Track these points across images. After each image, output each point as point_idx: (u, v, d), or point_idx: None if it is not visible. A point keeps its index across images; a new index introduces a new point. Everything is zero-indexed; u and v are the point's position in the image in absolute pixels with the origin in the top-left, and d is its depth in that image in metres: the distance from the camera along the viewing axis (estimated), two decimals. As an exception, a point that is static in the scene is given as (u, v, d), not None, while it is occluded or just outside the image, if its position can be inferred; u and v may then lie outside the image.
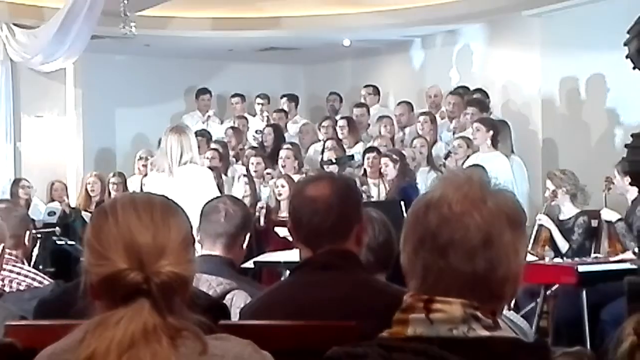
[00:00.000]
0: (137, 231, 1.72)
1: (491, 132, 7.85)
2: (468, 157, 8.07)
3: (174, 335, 1.69)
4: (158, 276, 1.69)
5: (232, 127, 10.44)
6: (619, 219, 6.68)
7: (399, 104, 10.07)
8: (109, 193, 9.15)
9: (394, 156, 8.28)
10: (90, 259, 1.74)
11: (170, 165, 6.12)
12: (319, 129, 10.06)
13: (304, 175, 8.29)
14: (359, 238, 2.65)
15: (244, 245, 3.58)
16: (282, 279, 5.21)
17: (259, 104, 11.02)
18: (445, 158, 8.52)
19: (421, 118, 9.22)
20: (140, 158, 9.57)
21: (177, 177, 6.07)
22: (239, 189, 8.70)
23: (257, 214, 8.25)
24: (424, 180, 8.41)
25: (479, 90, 9.11)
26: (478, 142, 7.97)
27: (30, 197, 9.10)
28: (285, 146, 9.27)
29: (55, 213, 8.85)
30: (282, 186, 8.26)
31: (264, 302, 2.65)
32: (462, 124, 8.84)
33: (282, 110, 10.88)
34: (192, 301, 1.79)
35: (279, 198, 8.29)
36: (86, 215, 8.91)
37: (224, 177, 9.00)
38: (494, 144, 7.87)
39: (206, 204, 3.60)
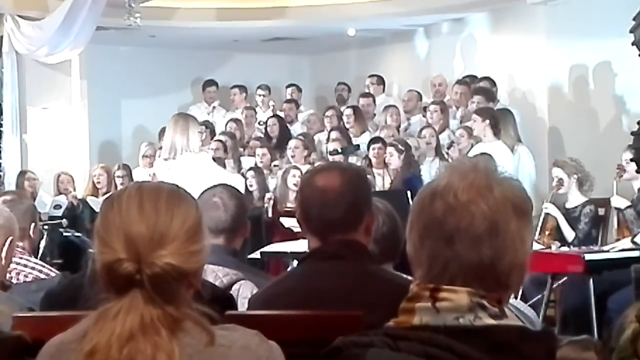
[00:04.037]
0: (135, 221, 1.72)
1: (487, 122, 7.82)
2: (472, 146, 8.07)
3: (173, 326, 1.68)
4: (151, 267, 1.68)
5: (233, 120, 10.39)
6: (628, 206, 6.66)
7: (409, 91, 10.09)
8: (115, 186, 9.16)
9: (400, 146, 8.26)
10: (97, 247, 1.74)
11: (170, 152, 6.06)
12: (324, 119, 10.06)
13: (312, 165, 8.24)
14: (369, 229, 2.63)
15: (245, 235, 3.51)
16: (289, 269, 5.21)
17: (260, 95, 10.98)
18: (448, 148, 8.51)
19: (431, 107, 9.20)
20: (145, 156, 9.68)
21: (179, 164, 6.02)
22: (248, 183, 8.66)
23: (265, 205, 8.23)
24: (429, 169, 8.40)
25: (486, 78, 9.08)
26: (477, 132, 7.99)
27: (36, 189, 9.09)
28: (295, 136, 9.27)
29: (61, 207, 8.84)
30: (298, 176, 8.19)
31: (272, 292, 2.64)
32: (468, 113, 8.82)
33: (292, 100, 10.83)
34: (199, 292, 1.78)
35: (294, 188, 8.19)
36: (93, 201, 8.91)
37: (229, 169, 8.96)
38: (496, 133, 7.84)
39: (200, 197, 3.36)
